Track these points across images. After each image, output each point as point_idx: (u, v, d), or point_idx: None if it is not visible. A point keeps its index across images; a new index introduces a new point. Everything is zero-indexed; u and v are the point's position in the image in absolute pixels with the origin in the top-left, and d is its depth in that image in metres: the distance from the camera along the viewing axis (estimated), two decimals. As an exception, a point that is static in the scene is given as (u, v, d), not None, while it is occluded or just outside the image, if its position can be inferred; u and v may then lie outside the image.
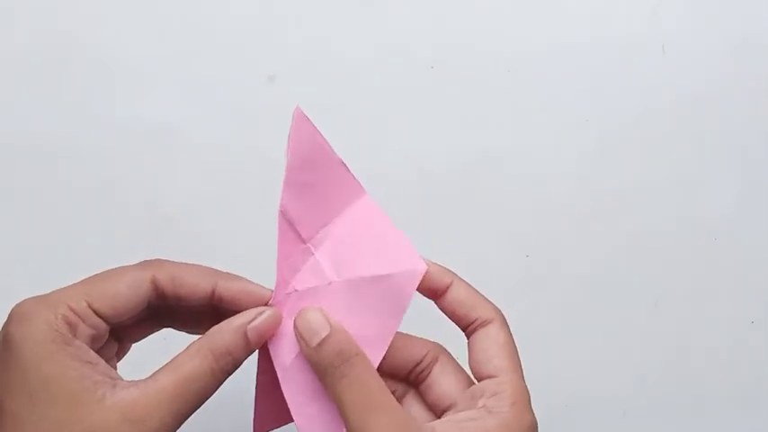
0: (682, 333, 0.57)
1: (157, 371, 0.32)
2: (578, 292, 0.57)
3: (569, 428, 0.57)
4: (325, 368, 0.33)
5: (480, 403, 0.34)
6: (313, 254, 0.36)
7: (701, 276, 0.57)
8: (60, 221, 0.54)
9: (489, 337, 0.36)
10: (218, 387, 0.33)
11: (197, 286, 0.34)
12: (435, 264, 0.36)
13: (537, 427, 0.35)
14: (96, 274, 0.34)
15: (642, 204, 0.58)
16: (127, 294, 0.33)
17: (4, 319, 0.32)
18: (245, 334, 0.34)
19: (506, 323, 0.37)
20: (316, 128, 0.36)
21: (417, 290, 0.36)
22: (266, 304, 0.35)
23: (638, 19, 0.59)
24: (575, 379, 0.57)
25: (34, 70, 0.56)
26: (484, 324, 0.36)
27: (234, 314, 0.35)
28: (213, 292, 0.35)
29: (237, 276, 0.36)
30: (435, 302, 0.37)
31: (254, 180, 0.55)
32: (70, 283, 0.33)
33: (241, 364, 0.34)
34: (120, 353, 0.37)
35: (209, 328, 0.34)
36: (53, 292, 0.32)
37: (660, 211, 0.58)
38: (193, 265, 0.35)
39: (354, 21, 0.58)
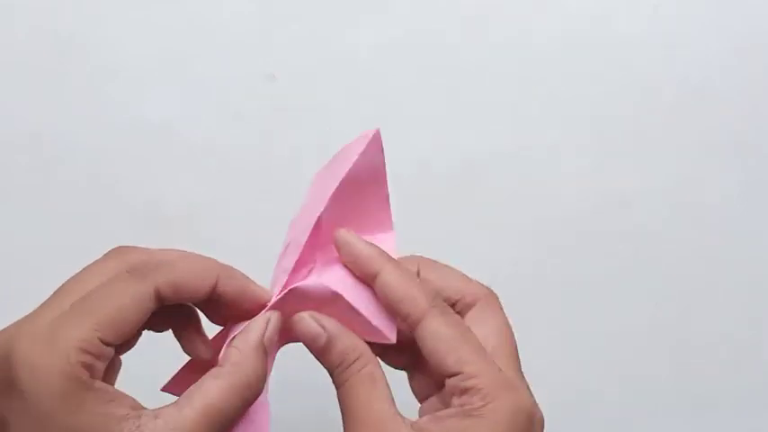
0: (682, 333, 0.57)
1: (184, 399, 0.30)
2: (578, 292, 0.57)
3: (569, 428, 0.57)
4: (329, 372, 0.33)
5: (455, 402, 0.32)
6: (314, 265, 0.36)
7: (700, 276, 0.57)
8: (60, 221, 0.54)
9: (431, 334, 0.32)
10: (245, 406, 0.32)
11: (198, 289, 0.32)
12: (372, 246, 0.34)
13: (529, 404, 0.32)
14: (94, 294, 0.30)
15: (642, 204, 0.58)
16: (134, 317, 0.30)
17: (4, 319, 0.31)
18: (264, 348, 0.32)
19: (447, 309, 0.33)
20: (384, 156, 0.35)
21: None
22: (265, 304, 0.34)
23: (638, 18, 0.58)
24: (575, 379, 0.57)
25: (34, 70, 0.56)
26: (418, 321, 0.33)
27: (233, 311, 0.34)
28: (213, 291, 0.33)
29: (236, 273, 0.34)
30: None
31: (254, 180, 0.55)
32: (68, 308, 0.30)
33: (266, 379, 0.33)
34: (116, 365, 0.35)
35: (198, 325, 0.33)
36: (54, 327, 0.29)
37: (660, 211, 0.58)
38: (191, 260, 0.33)
39: (354, 21, 0.58)
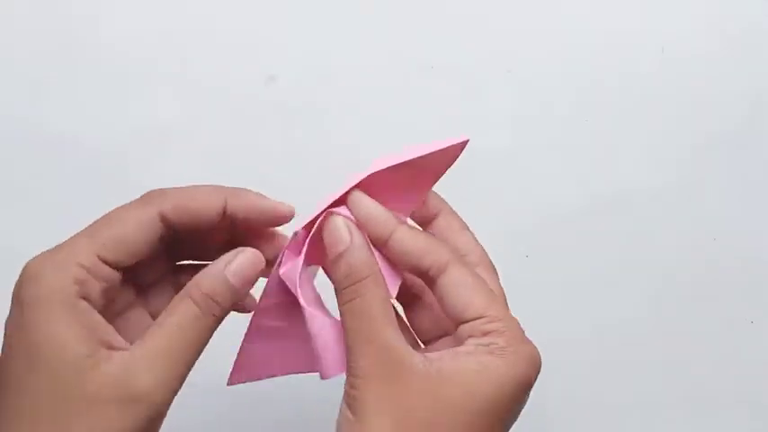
0: (682, 333, 0.57)
1: (154, 330, 0.31)
2: (578, 292, 0.57)
3: (569, 428, 0.57)
4: (336, 285, 0.33)
5: (474, 342, 0.32)
6: None
7: (700, 276, 0.57)
8: (60, 221, 0.54)
9: (455, 281, 0.33)
10: (210, 334, 0.32)
11: (204, 210, 0.33)
12: (386, 210, 0.34)
13: (539, 355, 0.33)
14: (101, 219, 0.32)
15: (642, 204, 0.58)
16: (136, 237, 0.31)
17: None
18: (227, 278, 0.32)
19: (464, 260, 0.34)
20: (454, 162, 0.36)
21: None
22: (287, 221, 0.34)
23: (637, 19, 0.59)
24: (575, 379, 0.57)
25: (34, 71, 0.56)
26: (441, 270, 0.33)
27: (251, 237, 0.34)
28: (224, 213, 0.33)
29: (247, 191, 0.34)
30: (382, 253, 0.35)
31: (254, 180, 0.55)
32: (77, 231, 0.32)
33: (230, 308, 0.33)
34: (143, 300, 0.35)
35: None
36: (63, 245, 0.31)
37: (660, 211, 0.58)
38: (199, 186, 0.33)
39: (355, 20, 0.58)
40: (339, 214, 0.33)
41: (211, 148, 0.56)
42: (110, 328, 0.31)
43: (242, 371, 0.36)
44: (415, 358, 0.31)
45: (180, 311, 0.31)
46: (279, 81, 0.57)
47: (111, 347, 0.30)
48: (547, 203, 0.57)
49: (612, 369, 0.57)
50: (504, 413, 0.32)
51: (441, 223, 0.36)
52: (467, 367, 0.31)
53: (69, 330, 0.29)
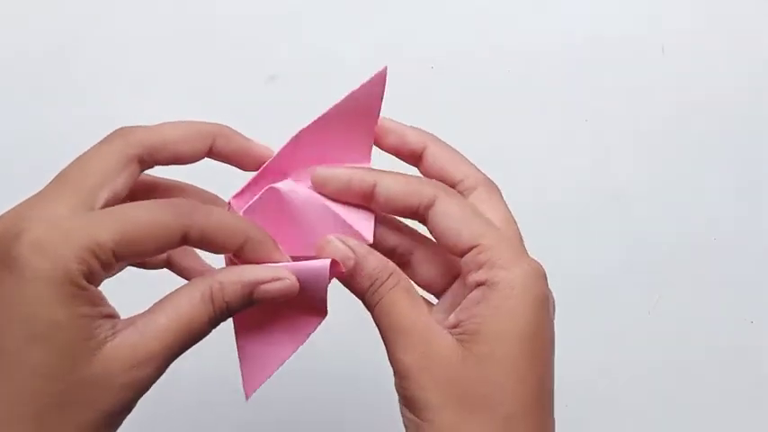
0: (682, 333, 0.57)
1: (156, 308, 0.31)
2: (578, 292, 0.57)
3: (569, 428, 0.57)
4: (359, 295, 0.34)
5: (474, 277, 0.32)
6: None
7: (700, 276, 0.57)
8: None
9: (442, 213, 0.33)
10: (208, 333, 0.32)
11: (224, 245, 0.32)
12: (356, 168, 0.34)
13: (543, 270, 0.33)
14: (125, 211, 0.30)
15: (642, 204, 0.58)
16: (154, 248, 0.30)
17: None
18: (252, 292, 0.32)
19: (452, 191, 0.34)
20: (383, 92, 0.35)
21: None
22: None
23: (637, 19, 0.59)
24: (575, 379, 0.57)
25: (34, 70, 0.56)
26: (428, 206, 0.33)
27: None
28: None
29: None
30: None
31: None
32: (104, 210, 0.30)
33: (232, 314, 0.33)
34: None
35: None
36: (74, 220, 0.29)
37: (660, 211, 0.58)
38: (227, 216, 0.32)
39: (354, 21, 0.58)
40: (282, 189, 0.34)
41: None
42: (106, 301, 0.30)
43: (252, 377, 0.36)
44: (449, 337, 0.32)
45: (195, 307, 0.31)
46: (279, 81, 0.57)
47: (113, 320, 0.30)
48: (547, 203, 0.57)
49: (612, 369, 0.57)
50: (538, 340, 0.33)
51: (429, 156, 0.36)
52: (485, 320, 0.31)
53: (80, 312, 0.28)
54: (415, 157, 0.36)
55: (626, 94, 0.58)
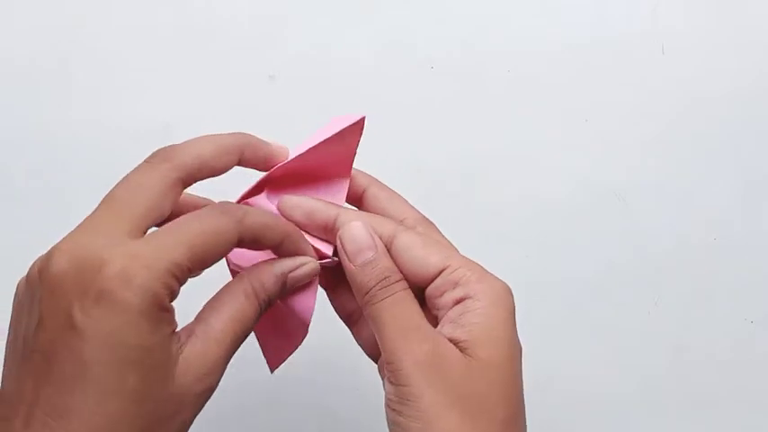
0: (682, 333, 0.57)
1: (208, 314, 0.32)
2: (578, 292, 0.57)
3: (569, 428, 0.57)
4: (365, 289, 0.35)
5: (451, 296, 0.34)
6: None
7: (700, 276, 0.57)
8: (60, 222, 0.54)
9: (407, 244, 0.35)
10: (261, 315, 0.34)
11: (268, 243, 0.34)
12: (320, 200, 0.36)
13: (507, 286, 0.35)
14: (188, 224, 0.31)
15: (642, 204, 0.58)
16: (220, 254, 0.32)
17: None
18: (285, 281, 0.34)
19: (405, 227, 0.36)
20: (358, 141, 0.37)
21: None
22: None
23: (637, 19, 0.59)
24: (575, 379, 0.57)
25: (34, 70, 0.56)
26: (391, 239, 0.35)
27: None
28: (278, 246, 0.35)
29: (297, 234, 0.36)
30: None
31: (253, 179, 0.55)
32: (164, 230, 0.31)
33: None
34: None
35: None
36: (149, 248, 0.30)
37: (660, 211, 0.58)
38: (267, 216, 0.34)
39: (355, 21, 0.58)
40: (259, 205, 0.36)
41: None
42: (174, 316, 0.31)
43: (274, 353, 0.38)
44: (450, 343, 0.33)
45: (244, 304, 0.33)
46: (279, 81, 0.57)
47: (176, 333, 0.31)
48: (547, 203, 0.57)
49: (612, 369, 0.57)
50: (517, 344, 0.34)
51: (370, 197, 0.38)
52: (477, 328, 0.33)
53: (164, 333, 0.30)
54: (356, 198, 0.38)
55: (626, 93, 0.58)
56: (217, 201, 0.38)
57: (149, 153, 0.57)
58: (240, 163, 0.36)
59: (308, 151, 0.36)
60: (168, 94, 0.56)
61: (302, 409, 0.54)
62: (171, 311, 0.30)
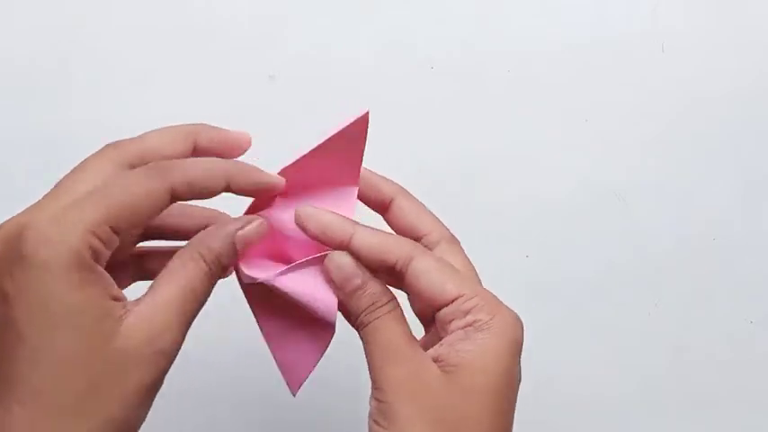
0: (681, 333, 0.57)
1: (157, 283, 0.32)
2: (578, 292, 0.57)
3: (569, 428, 0.57)
4: (355, 315, 0.35)
5: (458, 324, 0.34)
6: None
7: (700, 276, 0.57)
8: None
9: (424, 269, 0.34)
10: (210, 292, 0.33)
11: (212, 188, 0.34)
12: (337, 214, 0.35)
13: (520, 319, 0.35)
14: (110, 185, 0.31)
15: (642, 204, 0.58)
16: (146, 211, 0.32)
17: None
18: (234, 242, 0.34)
19: (426, 249, 0.36)
20: (365, 135, 0.36)
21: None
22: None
23: (637, 18, 0.59)
24: (575, 379, 0.57)
25: (34, 70, 0.56)
26: (407, 263, 0.34)
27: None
28: (226, 188, 0.35)
29: (248, 168, 0.35)
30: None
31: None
32: (83, 194, 0.31)
33: (227, 270, 0.35)
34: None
35: None
36: (69, 209, 0.30)
37: (660, 211, 0.58)
38: (202, 161, 0.34)
39: (355, 21, 0.58)
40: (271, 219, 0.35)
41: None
42: (113, 284, 0.31)
43: (292, 374, 0.38)
44: (433, 364, 0.34)
45: (190, 268, 0.32)
46: (279, 81, 0.57)
47: (122, 301, 0.31)
48: (547, 203, 0.57)
49: (612, 369, 0.57)
50: (512, 379, 0.34)
51: (396, 208, 0.38)
52: (469, 354, 0.33)
53: (94, 293, 0.29)
54: (382, 207, 0.38)
55: (626, 93, 0.58)
56: (222, 211, 0.38)
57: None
58: (197, 152, 0.35)
59: (312, 152, 0.35)
60: (168, 94, 0.56)
61: (302, 408, 0.54)
62: (96, 272, 0.30)
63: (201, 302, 0.33)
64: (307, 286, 0.35)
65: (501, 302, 0.35)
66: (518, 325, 0.35)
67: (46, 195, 0.33)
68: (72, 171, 0.33)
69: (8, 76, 0.56)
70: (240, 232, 0.34)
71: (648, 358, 0.57)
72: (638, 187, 0.58)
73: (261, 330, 0.37)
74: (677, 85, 0.58)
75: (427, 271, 0.34)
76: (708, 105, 0.58)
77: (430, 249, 0.37)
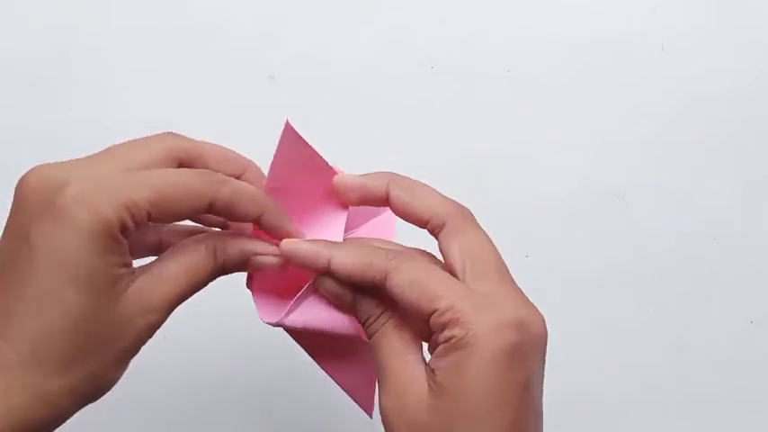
0: (682, 333, 0.57)
1: (167, 256, 0.33)
2: (578, 292, 0.57)
3: (569, 428, 0.57)
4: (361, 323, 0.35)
5: (441, 338, 0.32)
6: None
7: (700, 276, 0.57)
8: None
9: (397, 287, 0.33)
10: (205, 286, 0.34)
11: (246, 213, 0.34)
12: (314, 242, 0.35)
13: (512, 317, 0.32)
14: (162, 173, 0.32)
15: (642, 204, 0.58)
16: (185, 212, 0.33)
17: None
18: (249, 260, 0.35)
19: (404, 256, 0.34)
20: (304, 140, 0.36)
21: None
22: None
23: (637, 18, 0.59)
24: (575, 379, 0.57)
25: (34, 70, 0.56)
26: (383, 281, 0.34)
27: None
28: (254, 220, 0.35)
29: (284, 213, 0.36)
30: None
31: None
32: (135, 171, 0.32)
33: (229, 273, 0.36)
34: None
35: None
36: (115, 178, 0.31)
37: (660, 211, 0.58)
38: (249, 188, 0.34)
39: (354, 21, 0.58)
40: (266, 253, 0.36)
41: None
42: (128, 252, 0.32)
43: (362, 395, 0.39)
44: (424, 383, 0.33)
45: (201, 259, 0.34)
46: (279, 81, 0.57)
47: (130, 268, 0.32)
48: (547, 203, 0.57)
49: (612, 369, 0.57)
50: (509, 392, 0.31)
51: (393, 200, 0.36)
52: (449, 377, 0.31)
53: (112, 261, 0.31)
54: (383, 201, 0.37)
55: (626, 93, 0.58)
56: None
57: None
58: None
59: (272, 178, 0.35)
60: (168, 94, 0.56)
61: (301, 406, 0.54)
62: (122, 244, 0.31)
63: (197, 290, 0.34)
64: (317, 314, 0.36)
65: (487, 304, 0.32)
66: (503, 328, 0.31)
67: (95, 155, 0.33)
68: (129, 142, 0.34)
69: (8, 76, 0.56)
70: (259, 258, 0.35)
71: (648, 358, 0.57)
72: (638, 187, 0.58)
73: (320, 366, 0.38)
74: (677, 85, 0.58)
75: (400, 287, 0.33)
76: (708, 105, 0.58)
77: (436, 237, 0.35)
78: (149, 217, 0.31)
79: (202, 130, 0.56)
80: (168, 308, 0.33)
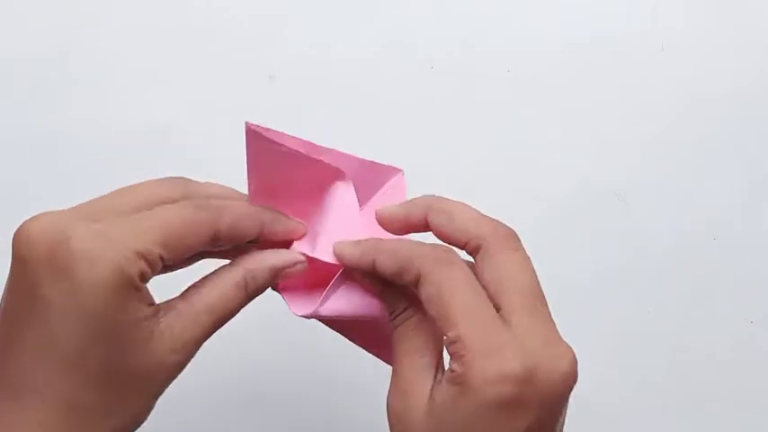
0: (681, 333, 0.57)
1: (193, 293, 0.33)
2: (578, 292, 0.57)
3: (569, 428, 0.57)
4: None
5: (450, 365, 0.32)
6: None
7: (700, 276, 0.57)
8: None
9: (424, 298, 0.33)
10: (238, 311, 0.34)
11: (247, 234, 0.34)
12: (359, 243, 0.35)
13: (511, 375, 0.30)
14: (164, 211, 0.32)
15: (642, 204, 0.58)
16: (193, 245, 0.32)
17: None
18: (277, 275, 0.35)
19: (435, 267, 0.33)
20: (269, 139, 0.36)
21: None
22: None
23: (637, 18, 0.59)
24: (574, 379, 0.57)
25: (34, 70, 0.56)
26: (416, 287, 0.33)
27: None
28: (257, 235, 0.35)
29: (281, 217, 0.36)
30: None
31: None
32: (135, 215, 0.32)
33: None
34: None
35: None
36: (123, 232, 0.30)
37: (660, 211, 0.58)
38: (244, 207, 0.35)
39: (354, 21, 0.58)
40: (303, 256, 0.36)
41: (211, 149, 0.56)
42: (149, 292, 0.32)
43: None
44: (425, 398, 0.32)
45: (232, 293, 0.33)
46: (279, 81, 0.57)
47: (155, 308, 0.32)
48: (547, 203, 0.57)
49: (612, 369, 0.57)
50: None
51: (431, 225, 0.36)
52: (447, 412, 0.31)
53: (138, 309, 0.30)
54: (425, 227, 0.37)
55: (626, 93, 0.58)
56: None
57: (149, 153, 0.57)
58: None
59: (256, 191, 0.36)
60: (168, 94, 0.56)
61: (301, 405, 0.54)
62: (142, 290, 0.30)
63: (226, 322, 0.33)
64: (349, 302, 0.36)
65: (495, 348, 0.30)
66: (502, 384, 0.30)
67: (98, 198, 0.33)
68: (129, 186, 0.34)
69: (8, 76, 0.56)
70: (288, 271, 0.35)
71: (648, 358, 0.57)
72: (638, 187, 0.58)
73: (361, 346, 0.39)
74: (677, 85, 0.58)
75: (426, 295, 0.32)
76: (708, 105, 0.58)
77: (474, 259, 0.34)
78: (161, 258, 0.31)
79: (202, 130, 0.56)
80: (195, 349, 0.32)
